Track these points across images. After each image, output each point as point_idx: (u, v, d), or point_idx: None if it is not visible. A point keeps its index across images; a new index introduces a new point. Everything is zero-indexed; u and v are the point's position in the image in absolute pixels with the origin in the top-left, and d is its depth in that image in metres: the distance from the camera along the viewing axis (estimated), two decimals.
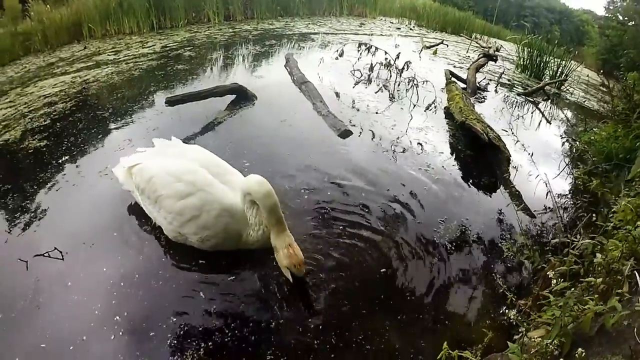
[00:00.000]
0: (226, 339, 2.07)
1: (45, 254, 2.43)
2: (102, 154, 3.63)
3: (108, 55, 7.19)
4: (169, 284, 2.33)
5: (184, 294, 2.28)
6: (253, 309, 2.24)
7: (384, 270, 2.54)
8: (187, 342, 2.04)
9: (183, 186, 2.43)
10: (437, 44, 9.49)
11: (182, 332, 2.09)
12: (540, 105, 6.55)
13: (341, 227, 2.82)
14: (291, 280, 2.25)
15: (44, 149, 3.71)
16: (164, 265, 2.46)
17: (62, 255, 2.45)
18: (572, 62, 8.49)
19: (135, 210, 2.81)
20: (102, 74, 5.88)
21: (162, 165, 2.55)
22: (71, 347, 1.99)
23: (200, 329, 2.11)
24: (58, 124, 4.21)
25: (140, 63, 6.53)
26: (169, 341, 2.04)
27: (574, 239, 2.50)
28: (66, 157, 3.54)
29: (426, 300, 2.42)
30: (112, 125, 4.18)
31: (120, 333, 2.06)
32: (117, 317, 2.13)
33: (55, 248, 2.46)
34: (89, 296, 2.23)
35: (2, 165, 3.50)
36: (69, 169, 3.38)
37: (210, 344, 2.04)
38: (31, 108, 4.65)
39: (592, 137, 4.53)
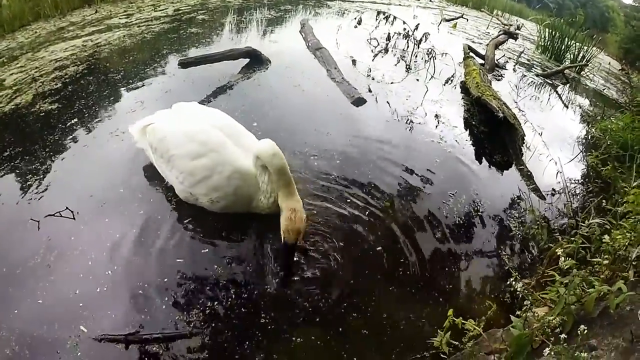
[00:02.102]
0: (224, 303, 2.10)
1: (56, 214, 2.45)
2: (113, 115, 3.62)
3: (120, 18, 7.07)
4: (175, 244, 2.36)
5: (187, 255, 2.31)
6: (256, 275, 2.26)
7: (389, 240, 2.55)
8: (185, 303, 2.09)
9: (196, 146, 2.42)
10: (457, 18, 9.20)
11: (182, 292, 2.13)
12: (558, 89, 6.39)
13: (348, 195, 2.83)
14: (282, 242, 2.18)
15: (55, 111, 3.69)
16: (172, 225, 2.48)
17: (74, 215, 2.47)
18: (594, 48, 8.23)
19: (148, 170, 2.83)
20: (114, 38, 5.80)
21: (176, 125, 2.54)
22: (68, 303, 2.03)
23: (200, 290, 2.15)
24: (69, 87, 4.17)
25: (153, 26, 6.43)
26: (168, 300, 2.09)
27: (582, 222, 2.49)
28: (77, 119, 3.53)
29: (429, 272, 2.44)
30: (124, 88, 4.15)
31: (114, 289, 2.11)
32: (111, 275, 2.18)
33: (67, 207, 2.47)
34: (96, 254, 2.26)
35: (13, 129, 3.49)
36: (80, 131, 3.38)
37: (207, 305, 2.08)
38: (42, 72, 4.59)
39: (608, 126, 4.44)
